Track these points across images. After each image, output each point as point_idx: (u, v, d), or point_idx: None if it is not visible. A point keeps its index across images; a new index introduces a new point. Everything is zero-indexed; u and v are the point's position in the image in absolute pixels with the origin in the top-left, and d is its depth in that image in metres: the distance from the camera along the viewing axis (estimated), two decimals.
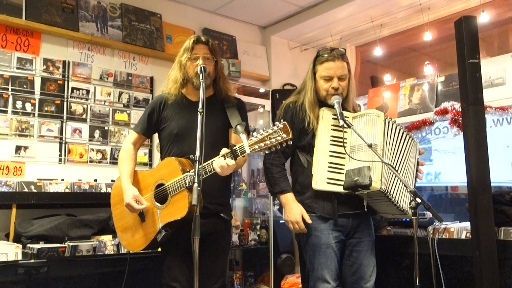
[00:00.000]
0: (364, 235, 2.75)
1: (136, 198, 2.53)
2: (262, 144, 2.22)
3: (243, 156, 2.31)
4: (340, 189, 2.58)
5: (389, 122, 2.71)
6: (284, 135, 2.19)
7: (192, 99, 2.70)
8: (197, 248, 1.97)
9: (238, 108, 2.71)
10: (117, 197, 2.72)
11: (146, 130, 2.76)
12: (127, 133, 4.00)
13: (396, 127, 2.74)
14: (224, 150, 2.33)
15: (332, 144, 2.66)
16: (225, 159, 2.30)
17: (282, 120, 2.23)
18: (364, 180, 2.48)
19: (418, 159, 2.89)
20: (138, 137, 2.77)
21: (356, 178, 2.51)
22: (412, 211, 2.34)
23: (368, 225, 2.80)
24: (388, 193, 2.56)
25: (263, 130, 2.24)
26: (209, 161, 2.36)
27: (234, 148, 2.29)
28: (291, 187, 2.76)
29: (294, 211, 2.65)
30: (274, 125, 2.22)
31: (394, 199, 2.60)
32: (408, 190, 2.36)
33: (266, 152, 2.26)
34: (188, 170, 2.42)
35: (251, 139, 2.25)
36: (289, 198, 2.69)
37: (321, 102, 2.76)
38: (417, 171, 2.87)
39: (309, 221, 2.62)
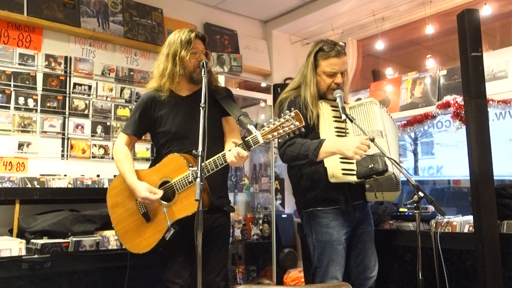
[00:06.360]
0: (367, 225, 2.79)
1: (150, 190, 2.46)
2: (275, 133, 2.23)
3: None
4: (354, 178, 2.57)
5: (383, 110, 2.75)
6: (297, 123, 2.21)
7: (182, 94, 2.66)
8: (200, 243, 1.97)
9: (231, 98, 2.70)
10: (115, 198, 2.66)
11: (137, 132, 2.68)
12: None
13: (387, 114, 2.80)
14: (235, 141, 2.33)
15: (338, 135, 2.65)
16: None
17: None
18: (380, 167, 2.47)
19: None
20: (129, 139, 2.68)
21: (371, 166, 2.49)
22: (415, 205, 2.36)
23: (369, 215, 2.85)
24: (396, 174, 2.58)
25: (275, 120, 2.24)
26: (220, 154, 2.36)
27: (247, 139, 2.28)
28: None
29: (348, 141, 2.46)
30: (284, 114, 2.22)
31: (397, 178, 2.63)
32: (411, 183, 2.36)
33: (280, 140, 2.27)
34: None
35: (264, 129, 2.25)
36: (331, 142, 2.51)
37: (320, 96, 2.76)
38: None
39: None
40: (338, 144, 2.48)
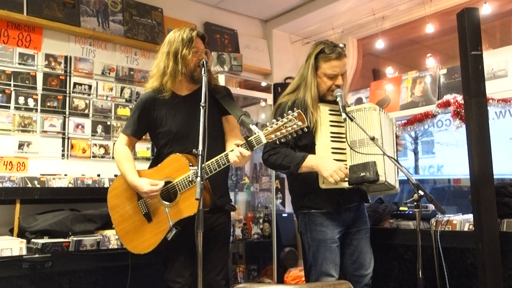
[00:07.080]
0: (362, 223, 2.80)
1: (151, 183, 2.44)
2: (278, 133, 2.24)
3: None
4: (345, 185, 2.56)
5: (382, 113, 2.72)
6: (300, 123, 2.22)
7: (182, 94, 2.66)
8: (200, 242, 1.97)
9: (230, 97, 2.70)
10: (116, 199, 2.65)
11: (136, 132, 2.68)
12: None
13: (386, 116, 2.77)
14: (238, 142, 2.33)
15: (333, 141, 2.64)
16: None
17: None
18: (371, 176, 2.46)
19: (396, 133, 2.90)
20: (129, 140, 2.69)
21: (362, 174, 2.49)
22: (415, 203, 2.36)
23: (364, 214, 2.86)
24: (388, 181, 2.58)
25: (277, 120, 2.25)
26: (222, 154, 2.36)
27: (250, 139, 2.29)
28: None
29: (330, 163, 2.53)
30: (287, 114, 2.23)
31: (390, 183, 2.62)
32: (411, 182, 2.36)
33: (282, 140, 2.27)
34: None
35: (266, 129, 2.26)
36: (314, 158, 2.58)
37: (319, 98, 2.75)
38: (396, 144, 2.88)
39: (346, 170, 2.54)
40: (319, 162, 2.55)
